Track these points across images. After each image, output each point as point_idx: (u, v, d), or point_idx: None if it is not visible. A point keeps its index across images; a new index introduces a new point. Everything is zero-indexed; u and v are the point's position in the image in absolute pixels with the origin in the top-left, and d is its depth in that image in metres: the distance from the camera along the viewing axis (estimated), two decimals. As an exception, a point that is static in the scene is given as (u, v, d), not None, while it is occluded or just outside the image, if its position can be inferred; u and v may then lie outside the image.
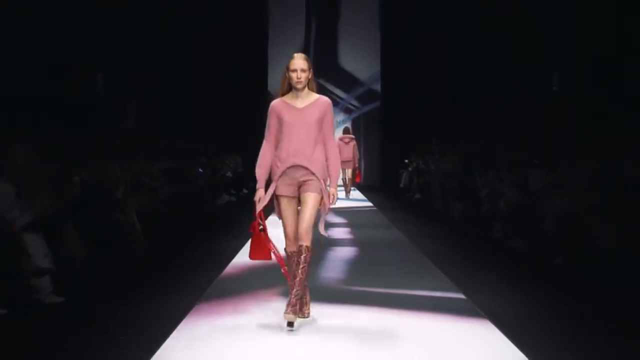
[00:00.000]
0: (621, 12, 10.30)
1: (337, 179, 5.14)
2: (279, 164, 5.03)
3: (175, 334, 4.85)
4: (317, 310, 5.46)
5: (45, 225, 6.21)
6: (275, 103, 5.11)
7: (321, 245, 8.21)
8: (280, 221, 5.17)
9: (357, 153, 17.00)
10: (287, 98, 5.08)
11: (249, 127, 20.36)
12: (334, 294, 6.18)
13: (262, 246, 5.12)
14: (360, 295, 6.15)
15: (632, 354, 4.61)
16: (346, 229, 10.76)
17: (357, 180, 18.25)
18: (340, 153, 19.07)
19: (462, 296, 6.09)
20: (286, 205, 5.09)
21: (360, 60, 21.69)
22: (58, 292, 5.96)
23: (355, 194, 18.16)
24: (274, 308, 5.56)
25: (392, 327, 5.06)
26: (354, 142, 16.90)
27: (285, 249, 5.19)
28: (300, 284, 4.90)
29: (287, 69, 5.01)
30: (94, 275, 6.77)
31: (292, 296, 4.85)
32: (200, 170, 14.41)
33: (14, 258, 5.79)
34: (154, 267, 7.68)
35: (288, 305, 4.84)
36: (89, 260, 6.89)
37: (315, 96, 5.07)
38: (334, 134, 5.10)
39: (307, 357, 4.40)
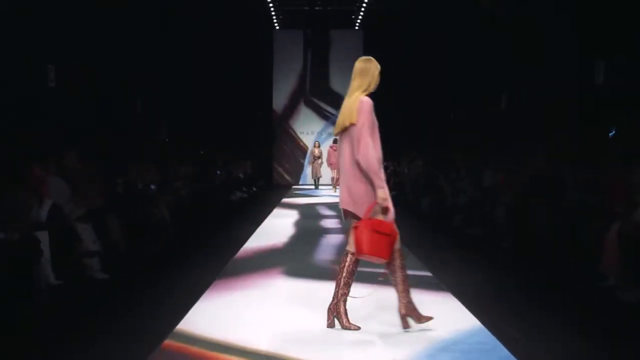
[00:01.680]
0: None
1: None
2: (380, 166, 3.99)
3: (198, 304, 4.87)
4: (313, 285, 5.49)
5: (94, 216, 6.25)
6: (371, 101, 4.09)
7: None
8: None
9: None
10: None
11: (257, 139, 20.57)
12: (326, 271, 6.19)
13: (382, 247, 3.88)
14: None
15: (560, 313, 4.68)
16: (336, 220, 10.78)
17: None
18: (329, 158, 19.57)
19: (428, 273, 6.11)
20: None
21: (347, 82, 21.47)
22: (104, 269, 6.01)
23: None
24: (278, 284, 5.59)
25: (370, 297, 5.05)
26: None
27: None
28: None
29: (379, 73, 4.21)
30: (133, 257, 6.79)
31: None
32: (217, 172, 14.43)
33: (69, 242, 5.83)
34: (180, 250, 7.69)
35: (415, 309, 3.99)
36: (128, 244, 6.91)
37: None
38: None
39: (303, 319, 4.42)
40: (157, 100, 13.65)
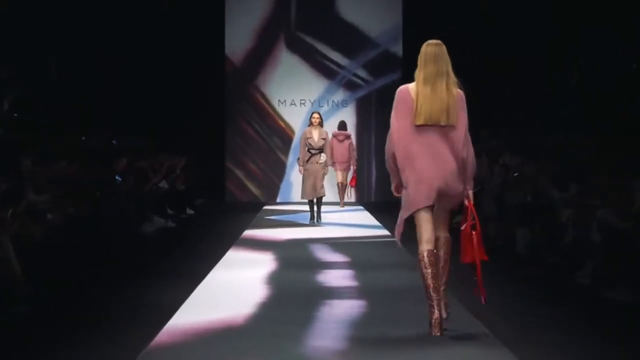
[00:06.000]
0: None
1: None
2: None
3: None
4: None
5: None
6: None
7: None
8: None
9: (354, 153, 19.78)
10: None
11: (196, 116, 20.46)
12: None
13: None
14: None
15: None
16: (347, 272, 10.74)
17: (353, 184, 20.11)
18: (333, 152, 20.44)
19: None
20: None
21: (371, 8, 21.77)
22: None
23: (363, 215, 18.17)
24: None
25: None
26: (350, 140, 19.79)
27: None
28: None
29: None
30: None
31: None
32: (117, 178, 14.39)
33: None
34: (42, 328, 7.66)
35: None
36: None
37: None
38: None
39: None
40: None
